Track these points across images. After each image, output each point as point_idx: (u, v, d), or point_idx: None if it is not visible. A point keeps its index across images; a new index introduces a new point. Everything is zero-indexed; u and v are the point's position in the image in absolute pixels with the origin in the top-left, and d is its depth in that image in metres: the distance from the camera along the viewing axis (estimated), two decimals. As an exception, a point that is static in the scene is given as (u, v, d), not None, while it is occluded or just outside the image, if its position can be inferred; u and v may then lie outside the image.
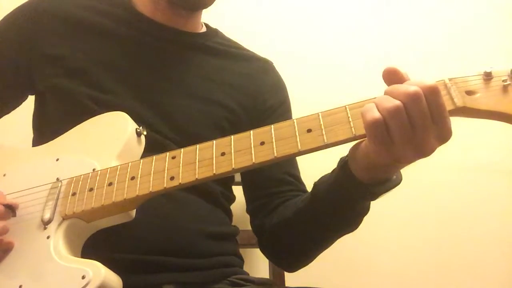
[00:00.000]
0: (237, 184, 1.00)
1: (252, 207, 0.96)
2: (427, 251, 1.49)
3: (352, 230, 0.79)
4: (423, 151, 0.56)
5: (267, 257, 0.96)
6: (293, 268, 0.94)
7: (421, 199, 1.45)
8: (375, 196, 0.69)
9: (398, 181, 0.68)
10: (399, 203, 1.34)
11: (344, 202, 0.72)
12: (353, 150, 0.65)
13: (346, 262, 1.31)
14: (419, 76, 0.61)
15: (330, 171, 0.76)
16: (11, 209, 0.71)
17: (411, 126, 0.55)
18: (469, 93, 0.58)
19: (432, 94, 0.55)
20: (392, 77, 0.59)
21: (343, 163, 0.69)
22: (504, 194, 1.54)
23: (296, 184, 0.95)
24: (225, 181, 0.92)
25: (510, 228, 1.53)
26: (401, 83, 0.58)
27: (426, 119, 0.55)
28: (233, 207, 0.97)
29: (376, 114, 0.55)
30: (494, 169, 1.54)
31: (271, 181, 0.93)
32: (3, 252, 0.69)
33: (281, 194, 0.92)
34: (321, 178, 0.78)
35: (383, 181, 0.67)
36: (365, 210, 0.75)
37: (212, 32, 1.02)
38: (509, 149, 1.53)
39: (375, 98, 0.59)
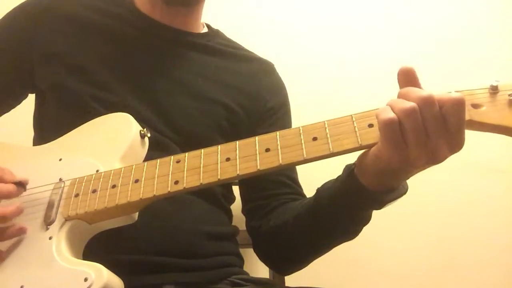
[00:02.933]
0: (237, 184, 1.00)
1: (248, 208, 0.96)
2: (427, 250, 1.49)
3: (351, 239, 0.78)
4: (436, 157, 0.56)
5: (261, 259, 0.95)
6: (287, 272, 0.94)
7: (421, 199, 1.44)
8: (381, 204, 0.68)
9: (404, 191, 0.68)
10: (399, 202, 1.33)
11: (348, 209, 0.72)
12: (362, 156, 0.65)
13: (346, 262, 1.31)
14: (426, 83, 0.61)
15: (332, 176, 0.75)
16: (21, 185, 0.71)
17: (425, 130, 0.55)
18: (475, 106, 0.59)
19: (455, 104, 0.55)
20: (407, 78, 0.59)
21: (350, 171, 0.69)
22: (504, 194, 1.54)
23: (294, 187, 0.95)
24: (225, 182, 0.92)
25: (510, 228, 1.53)
26: (414, 85, 0.58)
27: (439, 125, 0.55)
28: (233, 207, 0.97)
29: (391, 114, 0.55)
30: (494, 169, 1.54)
31: (268, 183, 0.93)
32: (15, 236, 0.69)
33: (279, 196, 0.92)
34: (324, 184, 0.77)
35: (389, 190, 0.66)
36: (367, 219, 0.75)
37: (213, 33, 1.02)
38: (509, 149, 1.53)
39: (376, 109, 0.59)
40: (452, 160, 1.60)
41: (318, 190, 0.79)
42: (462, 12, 1.66)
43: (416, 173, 0.62)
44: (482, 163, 1.55)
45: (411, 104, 0.55)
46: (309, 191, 1.01)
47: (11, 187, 0.70)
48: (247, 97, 0.95)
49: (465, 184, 1.55)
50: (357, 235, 0.78)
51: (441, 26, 1.64)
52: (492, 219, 1.54)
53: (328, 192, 0.75)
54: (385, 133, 0.56)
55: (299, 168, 0.99)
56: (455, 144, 0.56)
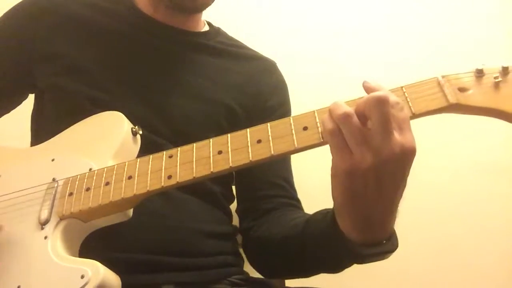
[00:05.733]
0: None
1: (241, 208, 0.96)
2: (427, 251, 1.48)
3: (338, 272, 0.75)
4: (380, 155, 0.55)
5: (247, 260, 0.95)
6: (271, 278, 0.94)
7: (420, 199, 1.44)
8: (364, 259, 0.66)
9: (391, 247, 0.65)
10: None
11: (331, 254, 0.71)
12: (332, 193, 0.63)
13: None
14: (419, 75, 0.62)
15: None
16: None
17: (360, 132, 0.56)
18: (462, 90, 0.59)
19: (376, 105, 0.55)
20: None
21: (332, 216, 0.67)
22: (504, 194, 1.53)
23: (288, 190, 0.95)
24: (224, 181, 0.92)
25: (510, 228, 1.52)
26: None
27: (360, 133, 0.56)
28: (233, 206, 0.97)
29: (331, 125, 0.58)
30: (494, 169, 1.53)
31: (262, 183, 0.93)
32: None
33: (272, 198, 0.92)
34: (316, 214, 0.76)
35: (373, 243, 0.64)
36: (352, 263, 0.71)
37: (214, 31, 1.01)
38: (509, 149, 1.53)
39: (361, 98, 0.59)
40: (453, 161, 1.58)
41: (308, 221, 0.77)
42: (461, 11, 1.66)
43: (384, 208, 0.61)
44: (483, 163, 1.54)
45: (331, 126, 0.57)
46: (309, 188, 1.01)
47: None
48: (247, 97, 0.94)
49: (465, 184, 1.53)
50: (343, 270, 0.74)
51: (441, 25, 1.64)
52: (492, 219, 1.52)
53: (315, 229, 0.73)
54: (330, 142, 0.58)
55: (295, 170, 0.99)
56: (398, 142, 0.55)
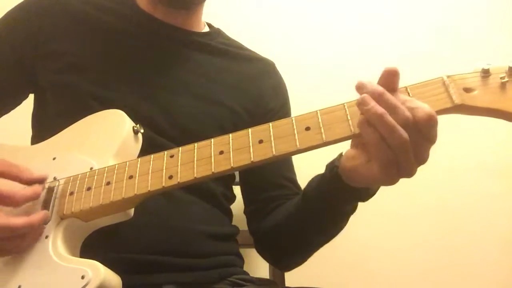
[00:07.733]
0: (238, 184, 1.00)
1: (249, 210, 0.97)
2: (427, 251, 1.48)
3: (340, 230, 0.81)
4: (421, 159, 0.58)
5: (264, 258, 0.98)
6: (289, 268, 0.96)
7: (420, 199, 1.45)
8: (364, 198, 0.71)
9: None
10: (398, 202, 1.35)
11: (332, 204, 0.74)
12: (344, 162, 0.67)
13: (346, 262, 1.30)
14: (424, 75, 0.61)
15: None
16: (40, 182, 0.71)
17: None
18: (467, 90, 0.58)
19: (426, 122, 0.56)
20: (390, 78, 0.59)
21: (333, 168, 0.71)
22: (504, 194, 1.53)
23: (292, 189, 0.96)
24: (225, 181, 0.92)
25: (510, 228, 1.52)
26: (394, 86, 0.59)
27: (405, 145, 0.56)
28: (233, 207, 0.97)
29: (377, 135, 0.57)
30: (494, 169, 1.53)
31: (267, 185, 0.94)
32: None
33: (277, 198, 0.93)
34: (311, 182, 0.79)
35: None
36: (353, 209, 0.77)
37: (214, 32, 1.02)
38: (509, 149, 1.53)
39: None
40: (453, 161, 1.57)
41: (305, 191, 0.81)
42: (461, 9, 1.66)
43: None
44: (483, 163, 1.54)
45: (375, 136, 0.56)
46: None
47: (38, 189, 0.69)
48: (249, 99, 0.95)
49: (465, 184, 1.53)
50: (344, 226, 0.80)
51: (440, 24, 1.64)
52: (492, 219, 1.52)
53: (315, 192, 0.77)
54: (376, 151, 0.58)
55: (299, 163, 0.98)
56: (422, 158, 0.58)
